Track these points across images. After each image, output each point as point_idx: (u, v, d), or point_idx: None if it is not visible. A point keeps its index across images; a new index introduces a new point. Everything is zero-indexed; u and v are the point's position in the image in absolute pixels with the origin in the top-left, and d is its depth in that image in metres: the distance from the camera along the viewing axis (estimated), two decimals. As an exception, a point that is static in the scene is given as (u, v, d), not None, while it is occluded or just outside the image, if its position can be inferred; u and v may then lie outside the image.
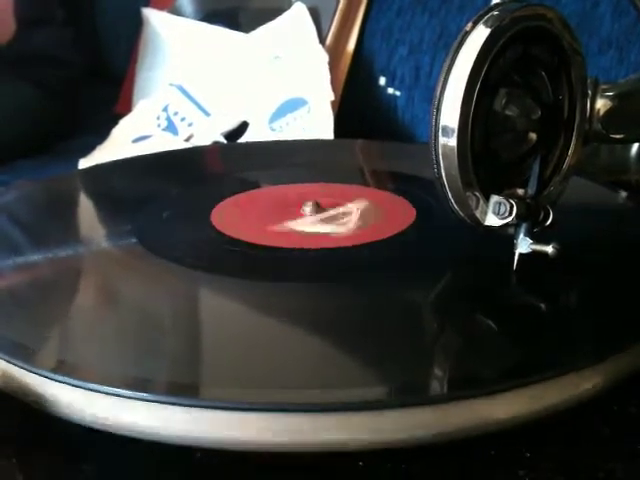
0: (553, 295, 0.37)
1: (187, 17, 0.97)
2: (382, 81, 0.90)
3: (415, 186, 0.49)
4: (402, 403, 0.29)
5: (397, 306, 0.36)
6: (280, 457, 0.29)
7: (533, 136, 0.37)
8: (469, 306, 0.36)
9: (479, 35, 0.35)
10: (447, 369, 0.32)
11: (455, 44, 0.35)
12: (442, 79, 0.35)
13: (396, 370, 0.31)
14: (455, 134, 0.34)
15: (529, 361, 0.31)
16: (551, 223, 0.37)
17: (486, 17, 0.35)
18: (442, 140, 0.35)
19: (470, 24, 0.34)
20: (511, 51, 0.36)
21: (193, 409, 0.28)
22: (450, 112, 0.34)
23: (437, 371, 0.32)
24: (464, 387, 0.30)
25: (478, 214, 0.36)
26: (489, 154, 0.36)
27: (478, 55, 0.34)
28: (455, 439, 0.29)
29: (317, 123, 0.83)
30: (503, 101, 0.36)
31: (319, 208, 0.46)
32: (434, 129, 0.35)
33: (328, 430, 0.28)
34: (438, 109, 0.35)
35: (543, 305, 0.37)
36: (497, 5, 0.35)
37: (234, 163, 0.63)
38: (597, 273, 0.39)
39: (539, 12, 0.36)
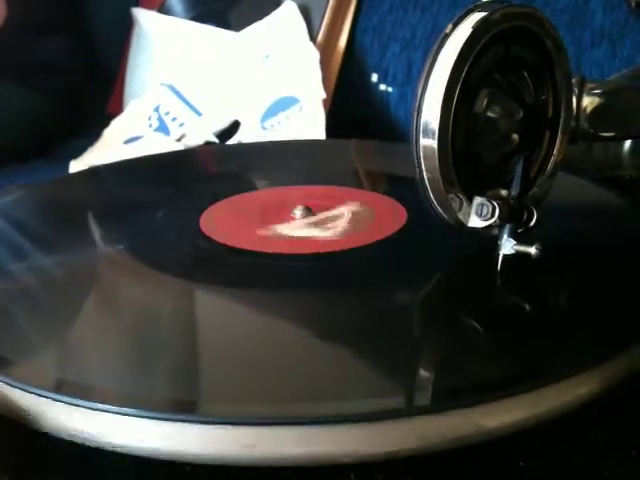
0: (545, 299, 0.37)
1: (177, 16, 0.96)
2: (374, 78, 0.89)
3: (407, 188, 0.49)
4: (393, 414, 0.28)
5: (387, 313, 0.36)
6: (272, 470, 0.28)
7: (516, 137, 0.37)
8: (461, 312, 0.36)
9: (459, 36, 0.34)
10: (439, 378, 0.32)
11: (435, 46, 0.35)
12: (422, 81, 0.35)
13: (389, 381, 0.31)
14: (436, 135, 0.34)
15: (522, 370, 0.31)
16: (535, 224, 0.36)
17: (466, 18, 0.35)
18: (423, 141, 0.35)
19: (450, 26, 0.34)
20: (492, 52, 0.35)
21: (190, 425, 0.28)
22: (430, 113, 0.34)
23: (428, 381, 0.32)
24: (456, 397, 0.29)
25: (461, 216, 0.36)
26: (471, 155, 0.36)
27: (458, 56, 0.34)
28: (447, 449, 0.28)
29: (309, 121, 0.83)
30: (485, 102, 0.36)
31: (309, 212, 0.45)
32: (415, 131, 0.35)
33: (319, 443, 0.28)
34: (419, 110, 0.34)
35: (536, 310, 0.36)
36: (477, 7, 0.35)
37: (223, 165, 0.62)
38: (589, 275, 0.38)
39: (520, 12, 0.36)
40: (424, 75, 0.35)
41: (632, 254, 0.40)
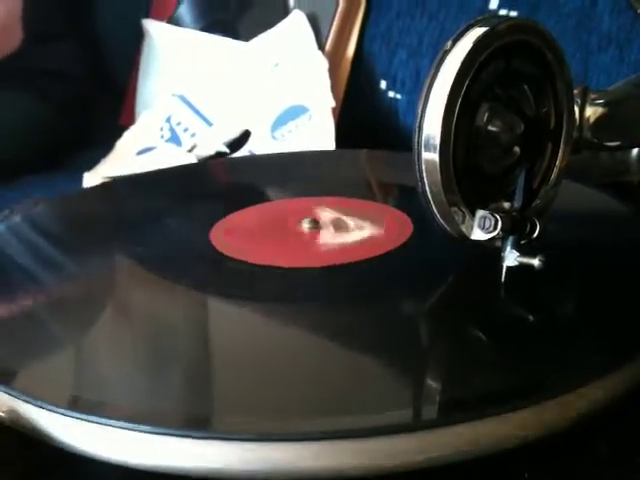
0: (551, 310, 0.37)
1: (186, 27, 0.97)
2: (383, 85, 0.90)
3: (415, 199, 0.49)
4: (397, 429, 0.29)
5: (394, 326, 0.36)
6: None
7: (517, 149, 0.37)
8: (465, 325, 0.36)
9: (460, 51, 0.35)
10: (446, 392, 0.32)
11: (436, 61, 0.35)
12: (424, 95, 0.35)
13: (395, 394, 0.31)
14: (437, 149, 0.35)
15: (528, 382, 0.31)
16: (538, 235, 0.37)
17: (467, 33, 0.35)
18: (425, 155, 0.35)
19: (450, 42, 0.35)
20: (493, 66, 0.36)
21: (198, 441, 0.28)
22: (432, 128, 0.35)
23: (434, 394, 0.32)
24: (462, 410, 0.29)
25: (464, 229, 0.36)
26: (473, 168, 0.36)
27: (459, 71, 0.34)
28: (453, 462, 0.29)
29: (318, 130, 0.83)
30: (486, 116, 0.36)
31: (316, 224, 0.46)
32: (417, 145, 0.35)
33: (324, 457, 0.28)
34: (420, 125, 0.35)
35: (540, 322, 0.36)
36: (478, 21, 0.35)
37: (234, 178, 0.63)
38: (594, 284, 0.39)
39: (521, 25, 0.36)
40: (425, 90, 0.35)
41: (636, 262, 0.40)
